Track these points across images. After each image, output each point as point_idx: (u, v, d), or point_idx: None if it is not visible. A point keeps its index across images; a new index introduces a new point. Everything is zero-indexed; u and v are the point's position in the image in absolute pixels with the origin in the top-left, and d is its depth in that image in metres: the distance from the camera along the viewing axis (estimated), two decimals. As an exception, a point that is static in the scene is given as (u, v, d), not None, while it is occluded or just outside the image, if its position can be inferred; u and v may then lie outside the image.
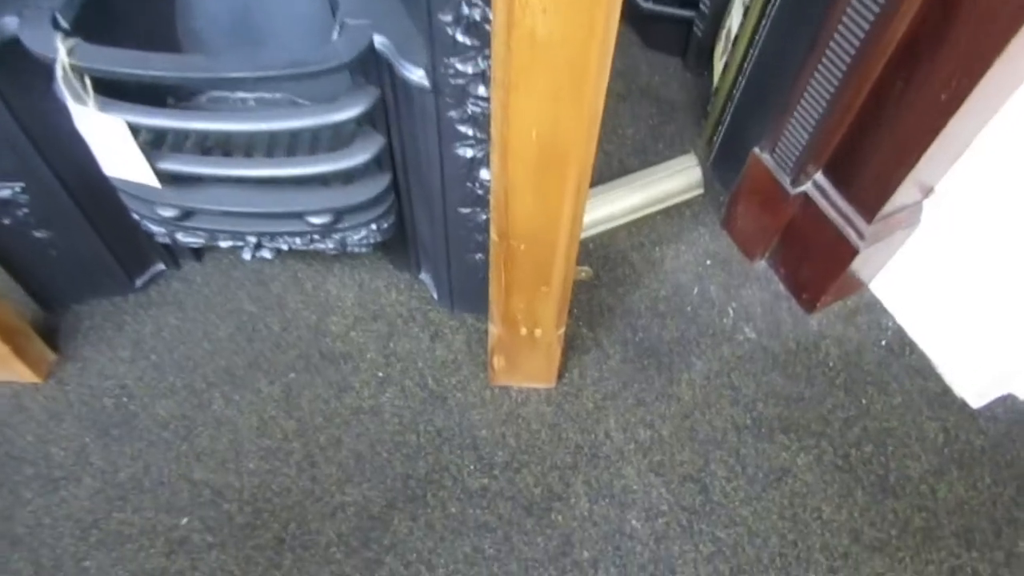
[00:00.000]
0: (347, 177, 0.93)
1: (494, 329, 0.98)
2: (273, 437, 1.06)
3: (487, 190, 0.85)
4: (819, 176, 1.10)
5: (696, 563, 0.99)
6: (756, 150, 1.14)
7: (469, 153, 0.82)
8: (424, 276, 1.18)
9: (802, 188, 1.11)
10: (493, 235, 0.79)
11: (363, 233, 0.99)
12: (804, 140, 1.05)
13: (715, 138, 1.29)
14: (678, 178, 1.27)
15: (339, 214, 0.96)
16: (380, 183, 0.94)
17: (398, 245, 1.11)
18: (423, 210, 1.00)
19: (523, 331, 0.96)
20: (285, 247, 1.02)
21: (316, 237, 1.00)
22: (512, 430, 1.07)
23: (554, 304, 0.90)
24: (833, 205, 1.09)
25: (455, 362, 1.13)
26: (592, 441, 1.07)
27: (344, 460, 1.05)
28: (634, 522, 1.01)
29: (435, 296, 1.17)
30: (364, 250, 1.03)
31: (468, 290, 1.08)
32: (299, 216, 0.96)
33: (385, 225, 1.00)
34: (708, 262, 1.24)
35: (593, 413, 1.09)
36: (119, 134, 0.82)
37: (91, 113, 0.80)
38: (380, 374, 1.11)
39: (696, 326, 1.18)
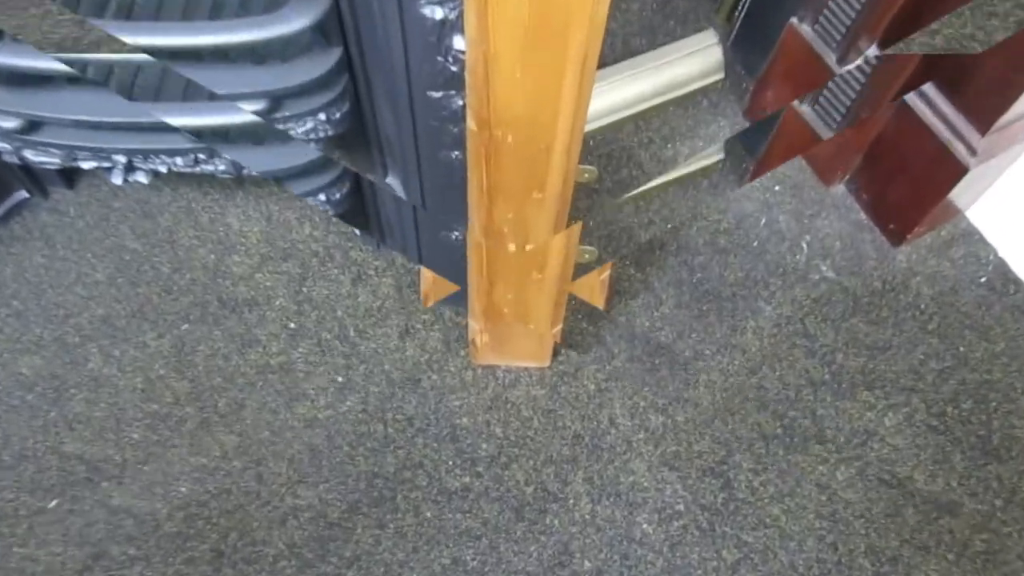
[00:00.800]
0: (283, 51, 0.81)
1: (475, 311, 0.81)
2: (162, 401, 0.99)
3: (463, 65, 0.74)
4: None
5: (718, 573, 0.92)
6: (794, 21, 0.98)
7: (437, 13, 0.69)
8: (391, 180, 1.06)
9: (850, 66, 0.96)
10: (471, 123, 0.69)
11: (309, 124, 0.88)
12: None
13: (738, 10, 1.15)
14: (694, 60, 1.06)
15: (276, 99, 0.83)
16: (327, 60, 0.82)
17: (357, 141, 0.98)
18: (384, 95, 0.89)
19: (511, 247, 0.83)
20: (164, 169, 0.90)
21: (202, 156, 0.87)
22: (498, 417, 1.00)
23: (549, 214, 0.77)
24: (937, 112, 0.94)
25: (385, 316, 1.03)
26: (594, 429, 1.00)
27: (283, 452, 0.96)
28: (644, 525, 0.94)
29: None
30: (314, 144, 0.90)
31: (445, 198, 0.96)
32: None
33: (337, 115, 0.88)
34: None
35: (595, 396, 1.01)
36: None
37: None
38: (292, 325, 1.03)
39: (766, 263, 1.06)
